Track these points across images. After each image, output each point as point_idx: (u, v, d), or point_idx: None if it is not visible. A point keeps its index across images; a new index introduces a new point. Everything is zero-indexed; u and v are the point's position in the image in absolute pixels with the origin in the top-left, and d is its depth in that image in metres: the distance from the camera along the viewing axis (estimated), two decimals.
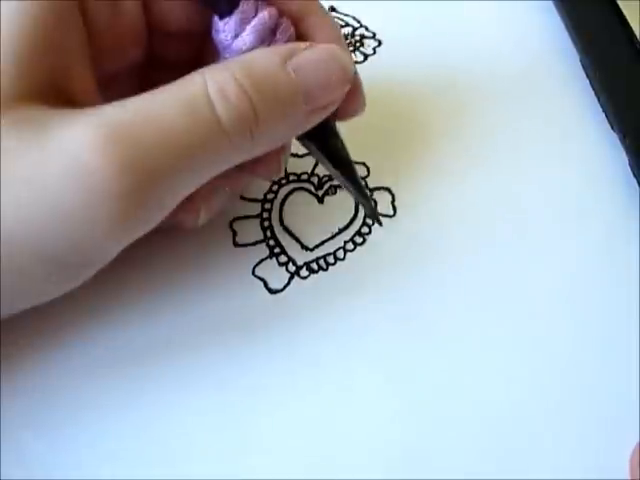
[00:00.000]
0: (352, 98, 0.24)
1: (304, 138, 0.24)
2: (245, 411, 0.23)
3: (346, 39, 0.35)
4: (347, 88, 0.23)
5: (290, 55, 0.21)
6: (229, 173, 0.22)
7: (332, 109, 0.23)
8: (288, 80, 0.21)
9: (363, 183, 0.27)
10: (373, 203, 0.28)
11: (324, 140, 0.24)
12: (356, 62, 0.33)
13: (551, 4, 0.36)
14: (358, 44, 0.34)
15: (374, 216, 0.27)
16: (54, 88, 0.20)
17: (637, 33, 0.32)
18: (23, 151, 0.18)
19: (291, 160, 0.29)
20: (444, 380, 0.24)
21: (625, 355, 0.24)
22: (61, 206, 0.18)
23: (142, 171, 0.19)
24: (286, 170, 0.29)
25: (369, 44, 0.35)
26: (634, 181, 0.28)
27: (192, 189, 0.21)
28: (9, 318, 0.21)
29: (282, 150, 0.25)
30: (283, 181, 0.29)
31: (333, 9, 0.36)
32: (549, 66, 0.34)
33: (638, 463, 0.21)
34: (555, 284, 0.26)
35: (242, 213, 0.28)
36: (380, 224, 0.27)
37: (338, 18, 0.36)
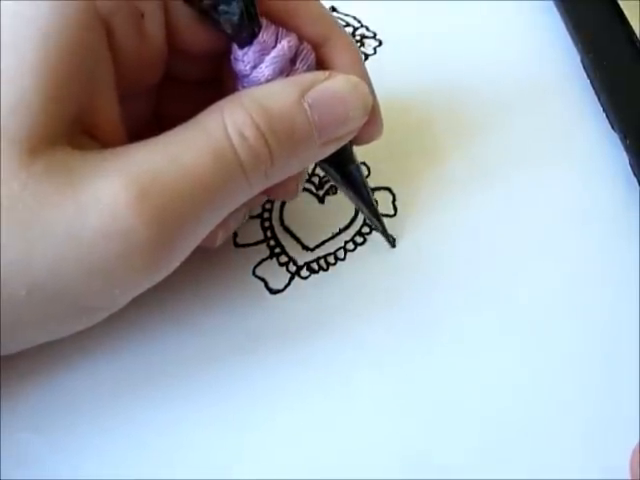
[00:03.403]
0: (369, 126, 0.24)
1: (320, 162, 0.24)
2: (246, 412, 0.23)
3: None
4: (364, 120, 0.23)
5: (308, 87, 0.21)
6: None
7: (349, 139, 0.23)
8: (303, 119, 0.21)
9: (377, 207, 0.27)
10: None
11: (341, 165, 0.25)
12: None
13: (551, 4, 0.36)
14: (359, 44, 0.34)
15: (388, 239, 0.27)
16: (80, 124, 0.20)
17: (637, 33, 0.32)
18: (58, 201, 0.18)
19: None
20: (445, 379, 0.24)
21: (625, 355, 0.24)
22: (96, 262, 0.19)
23: (175, 223, 0.19)
24: None
25: (370, 44, 0.35)
26: (634, 181, 0.28)
27: (213, 227, 0.21)
28: None
29: (300, 174, 0.25)
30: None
31: (334, 9, 0.36)
32: (549, 66, 0.34)
33: (638, 463, 0.21)
34: (555, 284, 0.26)
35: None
36: (393, 246, 0.27)
37: (339, 18, 0.36)
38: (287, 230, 0.28)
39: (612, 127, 0.30)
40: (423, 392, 0.24)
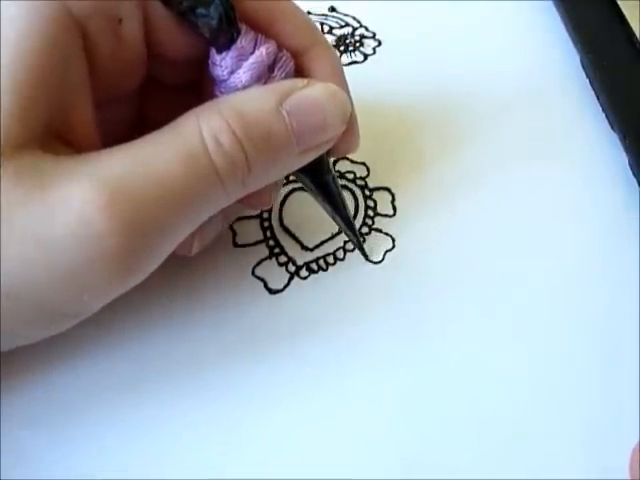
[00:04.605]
0: (346, 137, 0.24)
1: (297, 172, 0.24)
2: (244, 412, 0.23)
3: (346, 39, 0.35)
4: (343, 129, 0.23)
5: (286, 95, 0.21)
6: None
7: (326, 148, 0.23)
8: (281, 126, 0.21)
9: (353, 221, 0.27)
10: (362, 238, 0.28)
11: (317, 175, 0.25)
12: (356, 62, 0.34)
13: (551, 4, 0.36)
14: (358, 44, 0.34)
15: (362, 252, 0.27)
16: (53, 129, 0.20)
17: (637, 33, 0.32)
18: (27, 205, 0.18)
19: None
20: (445, 380, 0.24)
21: (625, 355, 0.24)
22: (66, 265, 0.18)
23: (146, 229, 0.19)
24: None
25: (369, 44, 0.35)
26: (634, 181, 0.28)
27: (187, 234, 0.21)
28: None
29: (275, 184, 0.25)
30: (283, 181, 0.29)
31: (333, 9, 0.36)
32: (549, 66, 0.34)
33: (638, 463, 0.21)
34: (554, 284, 0.26)
35: (242, 213, 0.28)
36: (369, 260, 0.27)
37: (338, 18, 0.36)
38: (286, 230, 0.28)
39: (611, 127, 0.30)
40: (422, 393, 0.24)
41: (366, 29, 0.35)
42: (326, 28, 0.35)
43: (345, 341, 0.25)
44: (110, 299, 0.21)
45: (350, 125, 0.24)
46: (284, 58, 0.23)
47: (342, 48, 0.34)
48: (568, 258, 0.27)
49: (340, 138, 0.23)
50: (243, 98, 0.21)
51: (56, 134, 0.20)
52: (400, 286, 0.26)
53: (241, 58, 0.22)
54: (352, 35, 0.35)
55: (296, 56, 0.23)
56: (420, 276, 0.26)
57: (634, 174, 0.28)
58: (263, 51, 0.22)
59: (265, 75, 0.22)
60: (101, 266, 0.19)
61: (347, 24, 0.36)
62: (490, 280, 0.26)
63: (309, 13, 0.36)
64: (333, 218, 0.26)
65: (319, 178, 0.25)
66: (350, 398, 0.24)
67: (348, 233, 0.27)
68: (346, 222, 0.26)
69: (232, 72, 0.22)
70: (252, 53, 0.22)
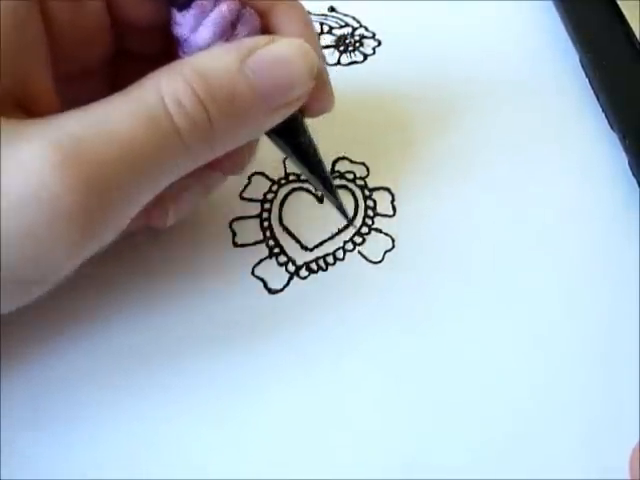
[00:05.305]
0: (319, 95, 0.23)
1: (270, 133, 0.23)
2: (243, 411, 0.23)
3: (346, 39, 0.35)
4: (311, 85, 0.22)
5: (249, 53, 0.21)
6: (195, 171, 0.22)
7: (296, 106, 0.23)
8: (245, 84, 0.21)
9: (332, 181, 0.26)
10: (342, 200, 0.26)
11: (291, 136, 0.24)
12: (356, 62, 0.33)
13: (550, 4, 0.36)
14: (358, 44, 0.34)
15: (344, 214, 0.26)
16: (13, 97, 0.20)
17: (637, 33, 0.32)
18: None
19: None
20: (444, 380, 0.24)
21: (625, 355, 0.24)
22: (23, 227, 0.18)
23: (103, 188, 0.19)
24: (286, 170, 0.29)
25: (369, 44, 0.35)
26: (634, 181, 0.28)
27: (151, 197, 0.21)
28: (9, 318, 0.21)
29: (249, 146, 0.24)
30: (283, 181, 0.29)
31: (333, 9, 0.36)
32: (549, 66, 0.34)
33: (638, 463, 0.21)
34: (554, 284, 0.26)
35: (242, 213, 0.28)
36: (351, 224, 0.27)
37: (338, 18, 0.36)
38: (286, 230, 0.28)
39: (611, 127, 0.30)
40: (423, 392, 0.24)
41: (366, 29, 0.35)
42: (326, 28, 0.35)
43: (345, 341, 0.25)
44: (74, 264, 0.20)
45: (322, 82, 0.23)
46: (247, 14, 0.22)
47: (342, 48, 0.34)
48: (568, 258, 0.27)
49: (313, 97, 0.23)
50: (205, 58, 0.21)
51: (17, 103, 0.20)
52: (400, 286, 0.26)
53: (202, 15, 0.21)
54: (352, 35, 0.35)
55: (262, 16, 0.23)
56: (420, 276, 0.26)
57: (634, 174, 0.28)
58: (224, 7, 0.22)
59: (228, 32, 0.22)
60: (60, 225, 0.18)
61: (347, 24, 0.36)
62: (491, 280, 0.26)
63: (309, 13, 0.36)
64: (311, 181, 0.25)
65: (293, 140, 0.24)
66: (350, 399, 0.24)
67: (328, 195, 0.26)
68: (325, 184, 0.25)
69: (194, 30, 0.22)
70: (213, 10, 0.22)
